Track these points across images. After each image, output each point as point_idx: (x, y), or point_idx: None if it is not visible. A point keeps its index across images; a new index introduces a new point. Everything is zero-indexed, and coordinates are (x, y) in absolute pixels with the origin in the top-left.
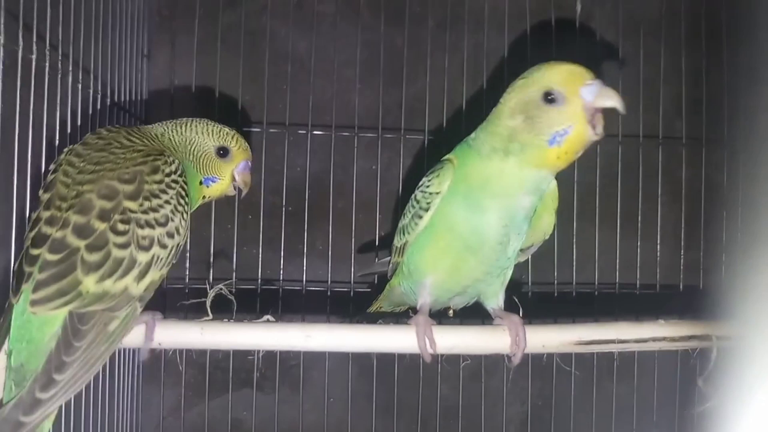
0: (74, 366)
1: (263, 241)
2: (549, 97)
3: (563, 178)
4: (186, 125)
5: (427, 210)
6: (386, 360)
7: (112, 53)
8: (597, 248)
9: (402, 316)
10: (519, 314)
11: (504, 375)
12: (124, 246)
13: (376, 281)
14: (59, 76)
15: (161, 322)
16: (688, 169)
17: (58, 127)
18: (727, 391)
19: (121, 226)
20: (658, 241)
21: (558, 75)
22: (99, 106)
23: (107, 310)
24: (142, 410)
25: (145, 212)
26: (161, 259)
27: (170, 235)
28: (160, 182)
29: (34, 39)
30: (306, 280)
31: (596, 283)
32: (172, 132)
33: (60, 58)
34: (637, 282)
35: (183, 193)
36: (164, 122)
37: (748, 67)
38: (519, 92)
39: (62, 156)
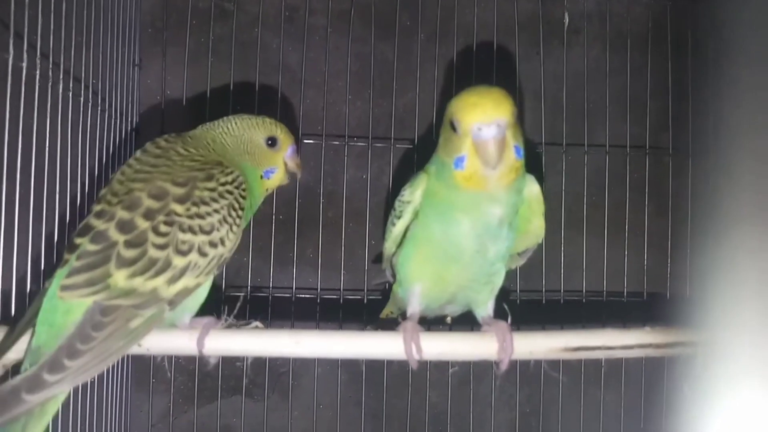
0: (87, 355)
1: (253, 249)
2: (452, 125)
3: (551, 187)
4: (231, 124)
5: (400, 218)
6: (375, 367)
7: (103, 63)
8: (585, 257)
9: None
10: (507, 321)
11: (492, 382)
12: (161, 247)
13: (366, 291)
14: (50, 84)
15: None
16: (675, 179)
17: (48, 135)
18: (713, 398)
19: (163, 228)
20: (646, 250)
21: (458, 105)
22: (90, 115)
23: (132, 307)
24: (131, 417)
25: (190, 217)
26: (198, 266)
27: (213, 245)
28: (212, 190)
29: (25, 47)
30: (296, 288)
31: (584, 291)
32: (223, 135)
33: (51, 66)
34: (625, 290)
35: (236, 205)
36: (205, 126)
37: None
38: (444, 116)
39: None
